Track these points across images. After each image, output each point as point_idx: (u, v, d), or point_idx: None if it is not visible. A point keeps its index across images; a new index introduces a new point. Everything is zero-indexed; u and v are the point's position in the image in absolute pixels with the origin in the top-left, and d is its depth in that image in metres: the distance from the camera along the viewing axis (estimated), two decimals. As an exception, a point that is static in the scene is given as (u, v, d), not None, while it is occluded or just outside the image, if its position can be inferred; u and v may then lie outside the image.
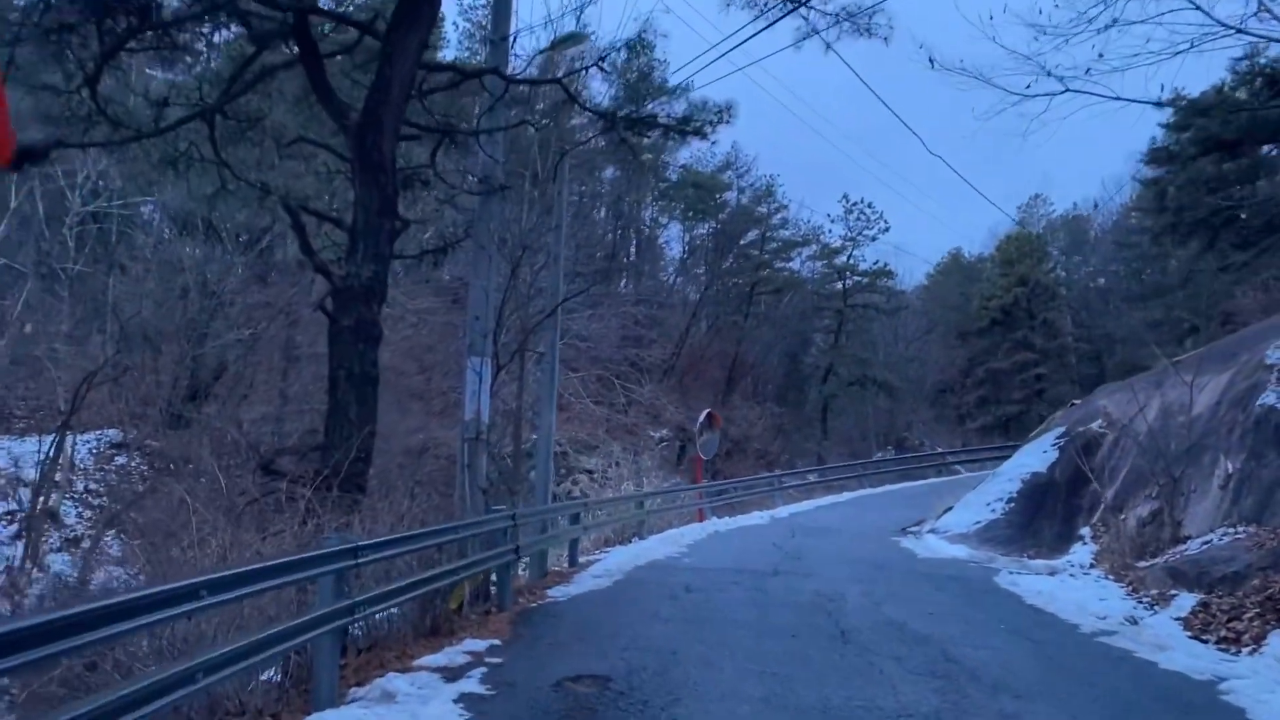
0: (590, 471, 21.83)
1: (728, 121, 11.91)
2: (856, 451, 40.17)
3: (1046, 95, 9.71)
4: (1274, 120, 23.09)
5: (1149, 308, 40.49)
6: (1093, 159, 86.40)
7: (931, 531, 16.84)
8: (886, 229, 41.60)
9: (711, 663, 6.88)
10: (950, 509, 17.73)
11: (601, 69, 11.26)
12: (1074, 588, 11.17)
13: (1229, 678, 6.74)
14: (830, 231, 42.52)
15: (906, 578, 11.96)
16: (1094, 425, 16.61)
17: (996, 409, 45.74)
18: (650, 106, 11.64)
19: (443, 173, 12.49)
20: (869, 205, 41.44)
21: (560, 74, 11.86)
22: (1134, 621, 9.01)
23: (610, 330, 30.22)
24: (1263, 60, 23.97)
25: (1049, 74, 9.52)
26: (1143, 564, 11.55)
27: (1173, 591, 10.02)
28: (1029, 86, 10.82)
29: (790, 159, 77.99)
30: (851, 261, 42.60)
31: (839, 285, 43.28)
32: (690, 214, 42.50)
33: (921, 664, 7.01)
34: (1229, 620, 8.65)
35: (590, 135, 15.57)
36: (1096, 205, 45.86)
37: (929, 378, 49.36)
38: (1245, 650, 7.86)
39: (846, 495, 26.72)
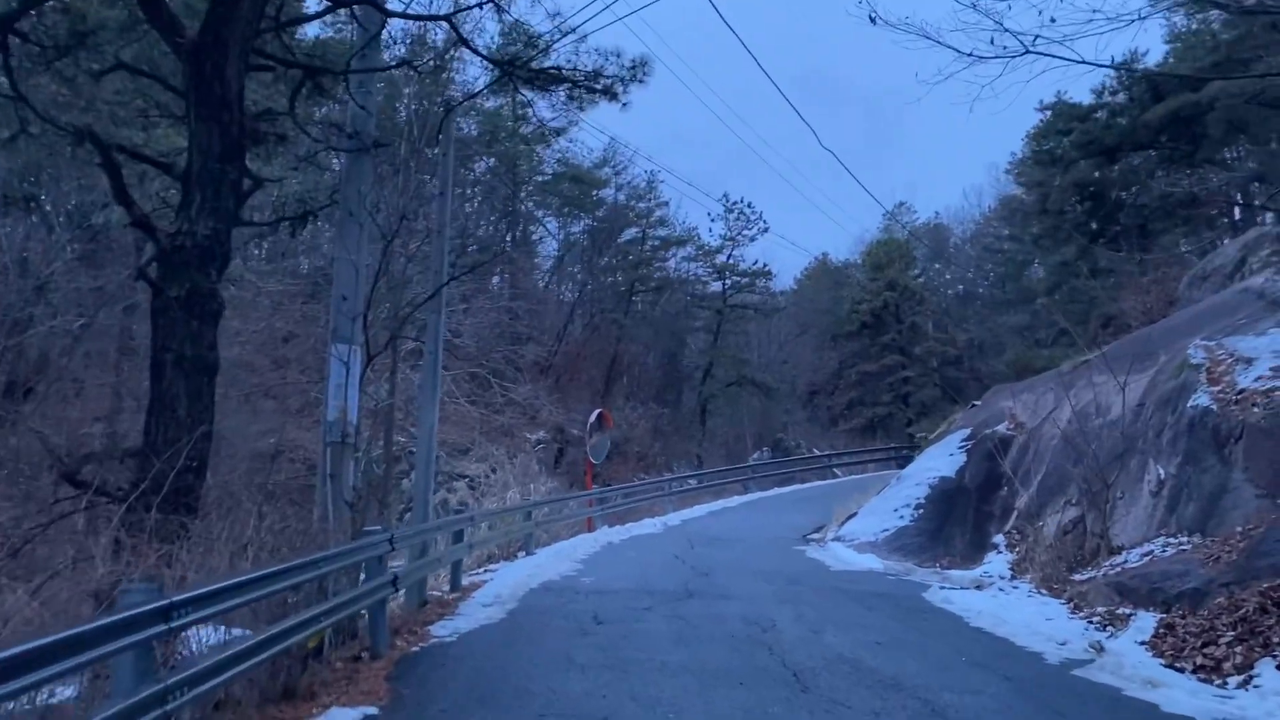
0: (468, 477, 19.94)
1: (642, 80, 10.44)
2: (733, 453, 39.61)
3: (1003, 58, 8.64)
4: (1152, 125, 23.52)
5: (1015, 313, 41.59)
6: (954, 168, 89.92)
7: (836, 539, 15.89)
8: (766, 229, 41.22)
9: (657, 733, 5.39)
10: (854, 515, 16.86)
11: (497, 5, 9.56)
12: (1013, 606, 10.32)
13: (1251, 725, 5.79)
14: (710, 231, 41.86)
15: (830, 596, 10.87)
16: (1001, 427, 16.03)
17: (866, 411, 46.37)
18: (554, 59, 10.03)
19: (305, 124, 10.44)
20: (749, 205, 40.94)
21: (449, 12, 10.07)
22: (1099, 648, 8.08)
23: (484, 326, 28.32)
24: (1140, 67, 24.46)
25: (1006, 31, 8.46)
26: (1080, 577, 10.78)
27: (1123, 610, 9.26)
28: (971, 54, 9.75)
29: (672, 157, 77.62)
30: (731, 261, 42.03)
31: (719, 285, 42.63)
32: (567, 209, 40.81)
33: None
34: (1203, 645, 7.84)
35: (481, 89, 13.82)
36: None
37: (801, 379, 49.52)
38: (1233, 682, 7.10)
39: (736, 500, 25.73)
